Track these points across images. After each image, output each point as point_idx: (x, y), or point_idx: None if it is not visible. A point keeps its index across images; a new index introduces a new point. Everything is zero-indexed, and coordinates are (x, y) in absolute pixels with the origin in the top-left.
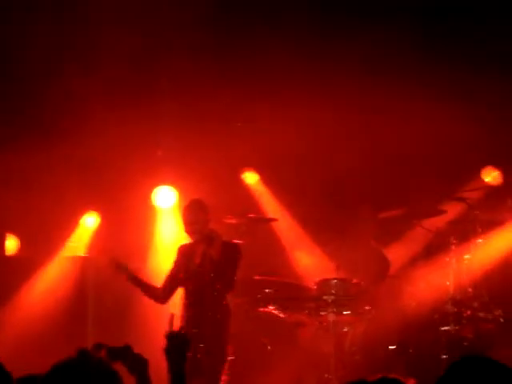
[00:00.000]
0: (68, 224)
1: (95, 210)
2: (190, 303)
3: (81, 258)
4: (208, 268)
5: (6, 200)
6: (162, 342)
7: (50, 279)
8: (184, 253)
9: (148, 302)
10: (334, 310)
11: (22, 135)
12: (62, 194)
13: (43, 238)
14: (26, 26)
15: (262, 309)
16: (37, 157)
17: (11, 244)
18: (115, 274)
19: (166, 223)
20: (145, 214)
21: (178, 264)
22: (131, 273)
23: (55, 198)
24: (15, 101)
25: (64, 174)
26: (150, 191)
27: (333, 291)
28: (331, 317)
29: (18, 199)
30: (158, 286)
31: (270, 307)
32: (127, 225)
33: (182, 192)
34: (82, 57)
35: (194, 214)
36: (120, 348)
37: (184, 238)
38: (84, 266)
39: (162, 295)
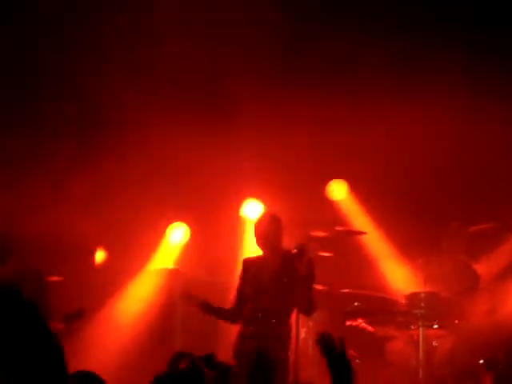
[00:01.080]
0: (157, 236)
1: (184, 222)
2: (255, 319)
3: (169, 270)
4: (282, 284)
5: (96, 213)
6: None
7: (139, 291)
8: (251, 267)
9: None
10: (423, 323)
11: (109, 148)
12: (152, 207)
13: (131, 251)
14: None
15: (350, 322)
16: (127, 170)
17: (99, 256)
18: (187, 306)
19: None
20: (233, 227)
21: (245, 279)
22: (203, 303)
23: (145, 210)
24: (92, 115)
25: (155, 186)
26: (238, 204)
27: (422, 305)
28: (420, 331)
29: (108, 213)
30: (229, 307)
31: (359, 320)
32: (215, 237)
33: (269, 205)
34: (158, 68)
35: (266, 227)
36: (203, 357)
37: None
38: (172, 278)
39: (234, 315)
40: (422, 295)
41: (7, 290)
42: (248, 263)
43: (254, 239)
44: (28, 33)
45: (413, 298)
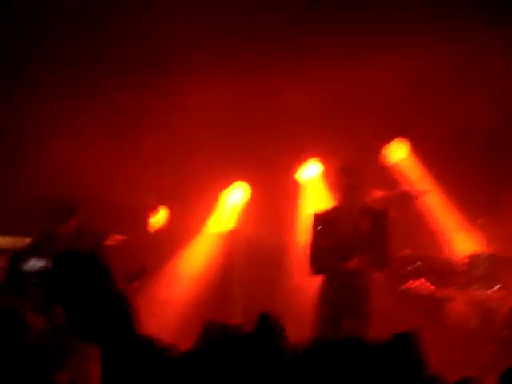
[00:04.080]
0: (217, 196)
1: (244, 181)
2: (334, 275)
3: (228, 231)
4: (358, 239)
5: (157, 173)
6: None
7: (198, 252)
8: (326, 220)
9: (295, 276)
10: (484, 285)
11: (173, 110)
12: (213, 167)
13: (190, 212)
14: None
15: (412, 282)
16: (189, 131)
17: (161, 217)
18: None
19: (313, 196)
20: (292, 188)
21: (321, 233)
22: None
23: (206, 170)
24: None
25: (213, 150)
26: (299, 165)
27: (483, 265)
28: (480, 292)
29: (170, 173)
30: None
31: (422, 280)
32: (276, 198)
33: (329, 165)
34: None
35: (357, 178)
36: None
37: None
38: (231, 239)
39: (314, 270)
40: (484, 256)
41: (87, 255)
42: (321, 217)
43: (341, 189)
44: None
45: (474, 259)
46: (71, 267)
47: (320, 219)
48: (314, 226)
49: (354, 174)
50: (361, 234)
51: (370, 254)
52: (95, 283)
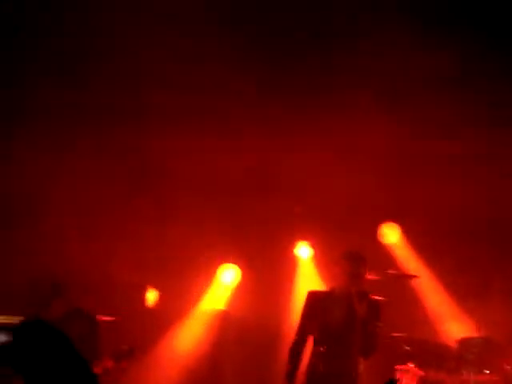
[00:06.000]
0: (207, 277)
1: (235, 263)
2: (325, 357)
3: (219, 311)
4: (353, 325)
5: (146, 254)
6: None
7: (189, 332)
8: (320, 302)
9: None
10: (475, 369)
11: (164, 192)
12: (204, 248)
13: (182, 291)
14: None
15: (401, 366)
16: (181, 210)
17: (151, 296)
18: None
19: (305, 277)
20: (283, 269)
21: (312, 313)
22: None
23: (194, 251)
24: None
25: (207, 227)
26: (289, 247)
27: (474, 350)
28: (472, 376)
29: (158, 252)
30: (295, 341)
31: (410, 365)
32: (267, 280)
33: (321, 248)
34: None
35: (361, 267)
36: None
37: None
38: (222, 320)
39: (297, 348)
40: (474, 340)
41: (37, 321)
42: (315, 297)
43: (344, 276)
44: None
45: (465, 342)
46: (33, 335)
47: (314, 298)
48: (307, 304)
49: (359, 262)
50: (355, 320)
51: (361, 339)
52: (57, 353)
